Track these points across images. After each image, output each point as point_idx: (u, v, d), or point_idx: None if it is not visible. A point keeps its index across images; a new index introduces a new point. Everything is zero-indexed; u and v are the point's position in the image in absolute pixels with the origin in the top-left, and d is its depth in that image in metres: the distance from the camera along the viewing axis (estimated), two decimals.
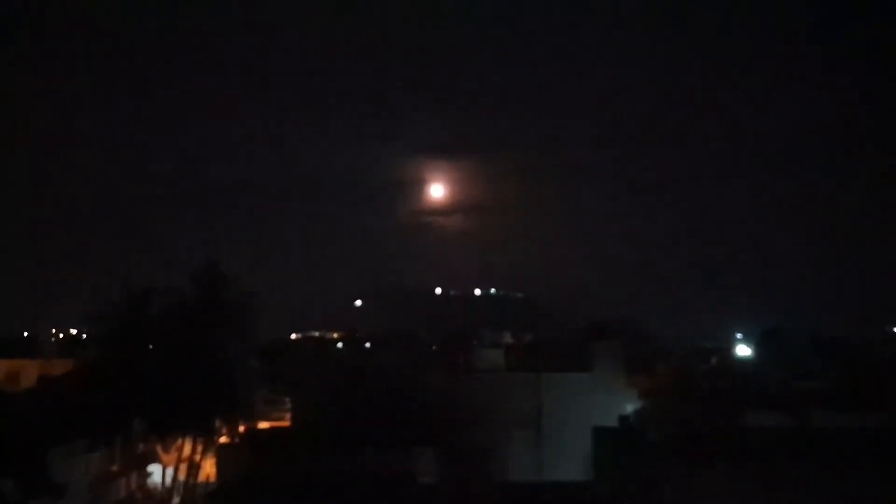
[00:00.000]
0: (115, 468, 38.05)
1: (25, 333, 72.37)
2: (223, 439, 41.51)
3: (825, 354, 56.04)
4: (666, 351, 64.69)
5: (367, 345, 75.88)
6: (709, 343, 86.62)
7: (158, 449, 41.43)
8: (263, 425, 45.66)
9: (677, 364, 57.35)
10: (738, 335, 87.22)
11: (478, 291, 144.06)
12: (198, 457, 40.24)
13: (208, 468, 41.12)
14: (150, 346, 39.38)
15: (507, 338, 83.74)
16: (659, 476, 19.07)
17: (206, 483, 39.91)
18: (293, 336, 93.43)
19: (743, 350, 75.83)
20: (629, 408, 36.54)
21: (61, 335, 71.83)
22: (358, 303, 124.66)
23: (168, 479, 40.91)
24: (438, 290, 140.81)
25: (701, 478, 19.28)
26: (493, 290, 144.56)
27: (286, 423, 46.04)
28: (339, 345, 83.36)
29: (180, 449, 40.17)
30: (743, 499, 19.04)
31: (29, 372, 47.38)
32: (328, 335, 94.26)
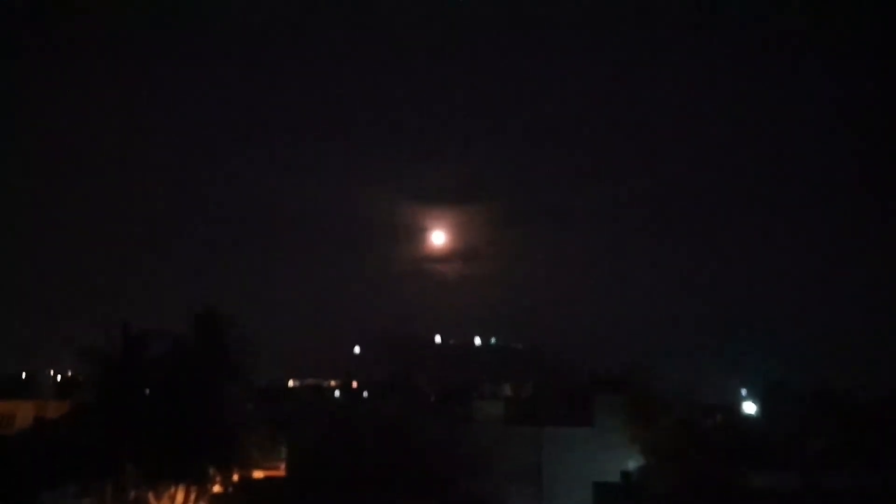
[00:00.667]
0: None
1: (24, 374, 71.90)
2: (216, 488, 40.73)
3: (830, 410, 55.22)
4: (669, 406, 63.78)
5: (365, 393, 75.18)
6: (713, 399, 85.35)
7: (150, 497, 40.55)
8: (258, 475, 44.85)
9: (681, 420, 56.49)
10: (744, 391, 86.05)
11: (478, 341, 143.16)
12: None
13: None
14: (146, 390, 38.99)
15: (507, 389, 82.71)
16: None
17: None
18: (290, 383, 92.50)
19: (749, 407, 74.80)
20: (631, 464, 35.99)
21: (59, 376, 71.25)
22: (356, 350, 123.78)
23: None
24: (438, 339, 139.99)
25: None
26: (493, 340, 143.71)
27: (280, 473, 45.27)
28: (337, 393, 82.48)
29: (173, 497, 39.36)
30: None
31: (25, 413, 46.89)
32: (325, 383, 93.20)
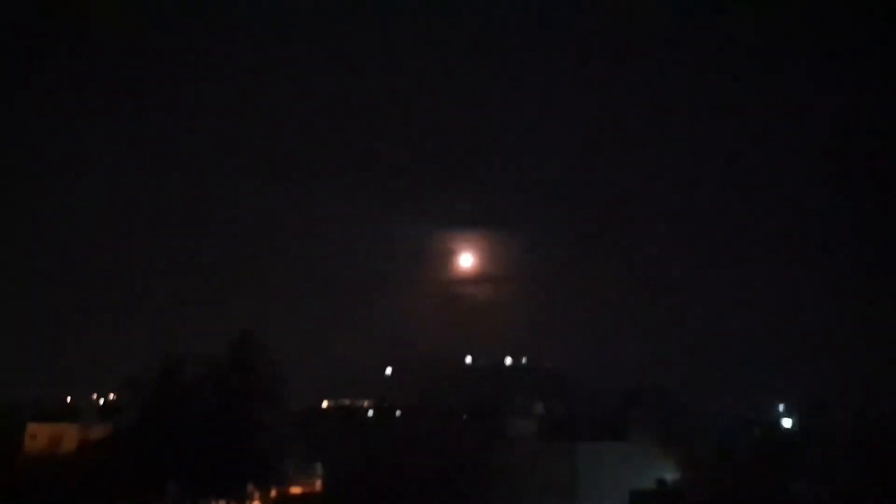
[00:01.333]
0: None
1: (69, 398, 73.81)
2: None
3: (871, 430, 54.03)
4: (704, 422, 63.02)
5: (398, 413, 75.31)
6: (751, 414, 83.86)
7: None
8: (295, 491, 45.48)
9: (716, 434, 55.80)
10: (781, 407, 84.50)
11: (509, 361, 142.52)
12: None
13: None
14: (185, 413, 40.08)
15: (540, 408, 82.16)
16: None
17: None
18: (324, 404, 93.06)
19: (787, 422, 73.49)
20: (668, 478, 35.77)
21: (101, 400, 72.91)
22: (388, 371, 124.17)
23: None
24: (469, 360, 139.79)
25: None
26: (524, 360, 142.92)
27: (317, 490, 45.81)
28: (370, 413, 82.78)
29: None
30: None
31: (70, 436, 48.23)
32: (358, 403, 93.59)
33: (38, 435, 49.04)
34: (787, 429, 70.14)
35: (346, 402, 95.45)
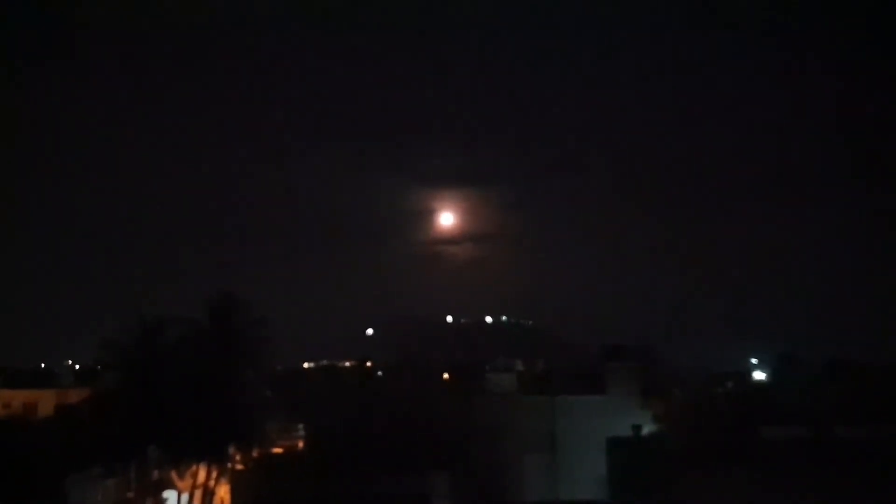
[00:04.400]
0: (130, 495, 38.15)
1: (42, 364, 73.27)
2: (237, 465, 41.66)
3: (841, 379, 55.54)
4: (681, 375, 64.36)
5: (379, 373, 75.98)
6: (724, 368, 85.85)
7: (173, 475, 41.51)
8: (277, 451, 45.80)
9: (693, 387, 57.04)
10: (754, 360, 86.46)
11: (489, 319, 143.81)
12: (212, 483, 40.34)
13: (223, 494, 41.19)
14: (164, 375, 39.77)
15: (520, 365, 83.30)
16: (672, 483, 19.12)
17: None
18: (306, 365, 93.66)
19: (759, 375, 75.26)
20: (645, 430, 36.39)
21: (77, 365, 72.47)
22: (369, 332, 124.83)
23: None
24: (450, 319, 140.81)
25: (715, 485, 19.31)
26: (504, 318, 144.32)
27: (299, 449, 46.19)
28: (351, 373, 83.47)
29: (195, 475, 40.28)
30: None
31: (46, 402, 47.91)
32: (340, 364, 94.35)
33: (13, 401, 48.64)
34: (759, 380, 72.00)
35: (328, 363, 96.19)
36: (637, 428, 26.25)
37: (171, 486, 42.10)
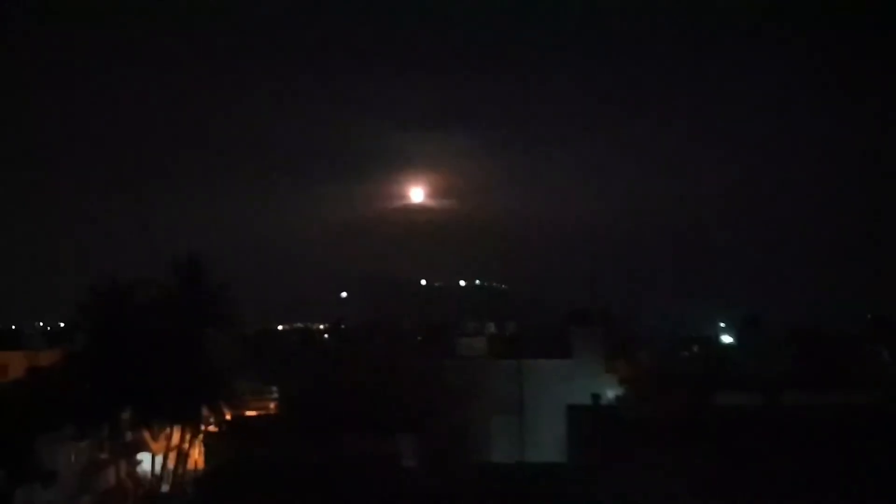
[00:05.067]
0: (103, 456, 38.55)
1: (13, 326, 72.50)
2: (210, 427, 42.20)
3: (801, 342, 57.37)
4: (647, 338, 65.85)
5: (352, 335, 76.55)
6: (691, 332, 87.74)
7: (147, 437, 41.99)
8: (250, 413, 46.34)
9: (657, 351, 58.51)
10: (722, 324, 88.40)
11: (462, 283, 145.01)
12: (186, 445, 40.94)
13: (196, 455, 41.84)
14: (136, 337, 39.88)
15: (491, 328, 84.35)
16: (626, 451, 20.03)
17: (195, 470, 40.64)
18: (279, 327, 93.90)
19: (726, 338, 77.11)
20: (609, 393, 37.49)
21: (48, 327, 71.89)
22: (343, 294, 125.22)
23: (157, 467, 41.52)
24: (423, 282, 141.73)
25: (665, 453, 20.26)
26: (477, 282, 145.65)
27: (273, 411, 46.76)
28: (325, 335, 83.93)
29: (168, 437, 40.81)
30: (708, 475, 20.05)
31: (17, 364, 47.62)
32: (314, 326, 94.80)
33: None
34: (727, 344, 73.91)
35: (301, 325, 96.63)
36: (596, 397, 27.12)
37: (145, 447, 42.63)
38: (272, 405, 48.62)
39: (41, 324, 75.64)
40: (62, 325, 65.33)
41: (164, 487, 40.46)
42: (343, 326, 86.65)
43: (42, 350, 52.03)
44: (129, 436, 41.35)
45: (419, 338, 70.27)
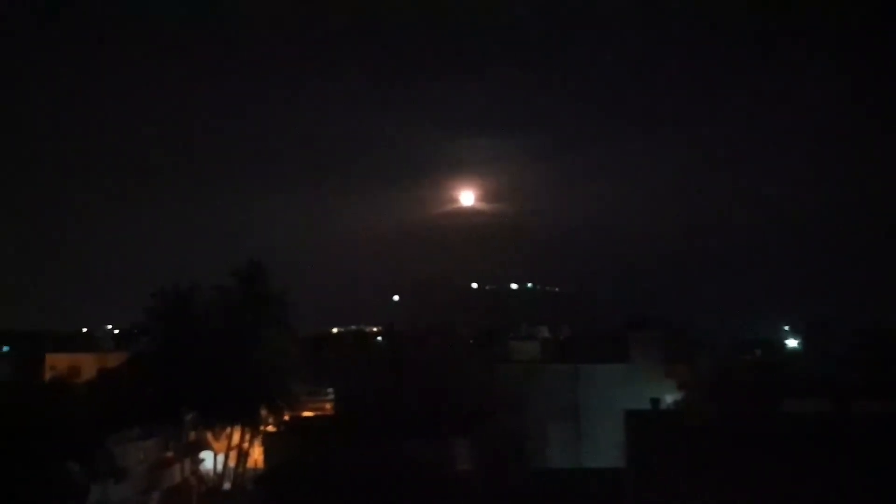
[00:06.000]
0: (169, 455, 39.81)
1: (84, 329, 75.95)
2: (269, 428, 43.14)
3: (870, 347, 54.99)
4: (708, 343, 64.21)
5: (406, 338, 76.92)
6: (754, 335, 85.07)
7: (209, 437, 43.21)
8: (307, 414, 47.16)
9: (718, 355, 56.95)
10: (786, 327, 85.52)
11: (514, 286, 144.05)
12: (246, 444, 41.96)
13: (256, 455, 42.81)
14: (198, 340, 41.11)
15: (545, 332, 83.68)
16: (688, 458, 19.53)
17: (255, 469, 41.59)
18: (334, 330, 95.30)
19: (790, 342, 74.69)
20: (668, 399, 36.68)
21: (116, 330, 74.90)
22: (395, 298, 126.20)
23: (219, 466, 42.70)
24: (475, 285, 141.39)
25: (729, 461, 19.67)
26: (529, 285, 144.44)
27: (329, 413, 47.45)
28: (379, 338, 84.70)
29: (229, 437, 41.93)
30: (773, 485, 19.35)
31: (88, 365, 49.76)
32: (367, 328, 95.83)
33: (58, 365, 50.60)
34: (792, 348, 71.48)
35: (356, 328, 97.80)
36: (655, 401, 26.50)
37: (208, 447, 43.90)
38: (328, 406, 49.35)
39: (109, 327, 78.97)
40: (129, 328, 67.97)
41: (226, 485, 41.54)
42: (396, 329, 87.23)
43: (111, 352, 54.28)
44: (192, 435, 42.61)
45: (471, 341, 70.17)
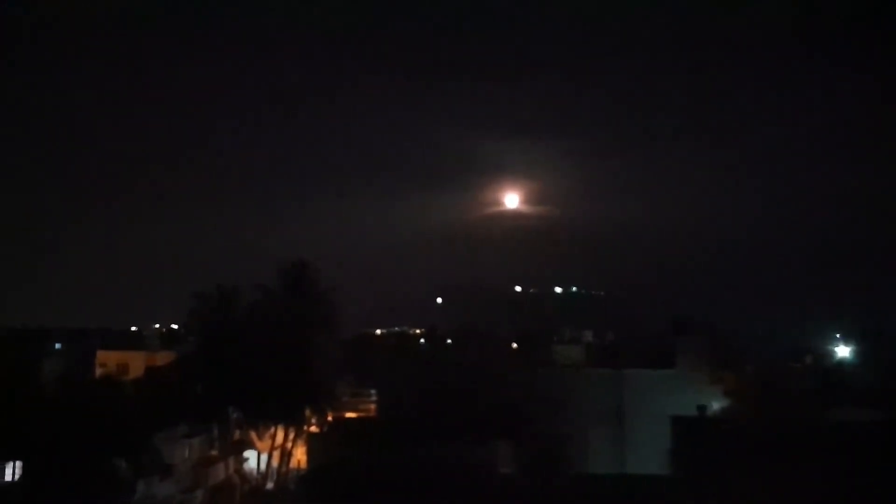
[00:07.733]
0: (214, 453, 40.50)
1: (133, 327, 78.06)
2: (313, 428, 43.53)
3: None
4: (754, 349, 62.45)
5: (448, 341, 77.02)
6: (802, 343, 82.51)
7: (253, 436, 43.80)
8: (350, 415, 47.43)
9: (765, 362, 55.30)
10: (837, 335, 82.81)
11: (558, 289, 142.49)
12: (289, 444, 42.42)
13: (299, 455, 43.25)
14: (243, 340, 41.60)
15: (588, 336, 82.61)
16: (735, 465, 18.96)
17: (297, 469, 42.03)
18: (378, 331, 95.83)
19: (841, 350, 72.26)
20: (714, 405, 35.80)
21: (164, 329, 76.74)
22: (438, 300, 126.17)
23: (262, 465, 43.26)
24: (518, 288, 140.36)
25: (776, 468, 19.02)
26: (573, 288, 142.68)
27: (372, 414, 47.62)
28: (421, 340, 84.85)
29: (273, 436, 42.43)
30: (821, 493, 18.63)
31: (137, 363, 51.13)
32: (410, 330, 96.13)
33: (108, 362, 52.11)
34: (843, 357, 69.05)
35: (399, 330, 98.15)
36: (702, 408, 25.82)
37: (252, 446, 44.54)
38: (371, 407, 49.53)
39: (157, 325, 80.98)
40: (175, 327, 69.56)
41: (269, 485, 42.05)
42: (439, 331, 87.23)
43: (158, 351, 55.56)
44: (236, 434, 43.29)
45: (514, 345, 69.70)
